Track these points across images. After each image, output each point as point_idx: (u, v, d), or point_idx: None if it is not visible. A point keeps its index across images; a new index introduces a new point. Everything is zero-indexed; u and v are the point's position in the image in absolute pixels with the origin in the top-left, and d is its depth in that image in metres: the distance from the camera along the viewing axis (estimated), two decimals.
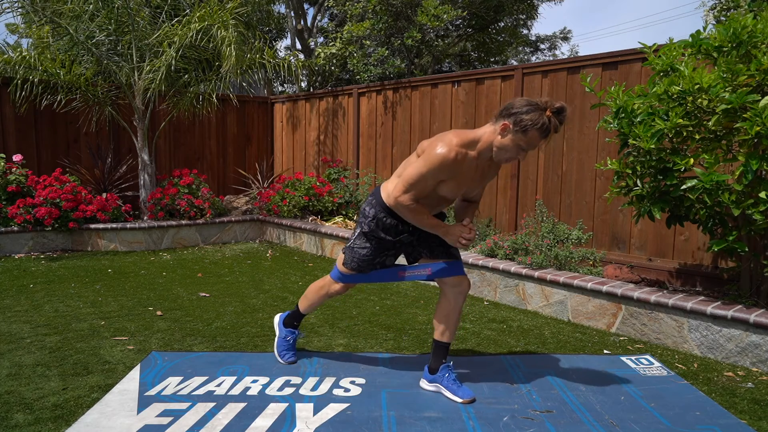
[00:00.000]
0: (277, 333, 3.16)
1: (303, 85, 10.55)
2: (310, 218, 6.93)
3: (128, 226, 6.42)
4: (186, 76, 7.36)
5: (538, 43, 15.73)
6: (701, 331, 3.34)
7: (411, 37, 8.66)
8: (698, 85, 3.12)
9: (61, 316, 3.88)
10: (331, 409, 2.55)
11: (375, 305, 4.30)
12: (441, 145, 2.40)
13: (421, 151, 2.50)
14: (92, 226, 6.29)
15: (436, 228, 2.57)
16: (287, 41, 15.32)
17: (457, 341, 3.50)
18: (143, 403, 2.58)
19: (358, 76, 8.90)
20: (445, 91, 6.14)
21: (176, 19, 6.90)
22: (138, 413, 2.48)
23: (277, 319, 3.21)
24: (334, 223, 6.70)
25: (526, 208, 5.40)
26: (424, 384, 2.80)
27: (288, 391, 2.74)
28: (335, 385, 2.82)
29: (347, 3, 9.80)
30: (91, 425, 2.37)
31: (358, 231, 2.76)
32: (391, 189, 2.60)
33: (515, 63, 18.56)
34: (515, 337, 3.64)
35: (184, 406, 2.56)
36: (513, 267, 4.36)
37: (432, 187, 2.50)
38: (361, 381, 2.87)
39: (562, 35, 15.80)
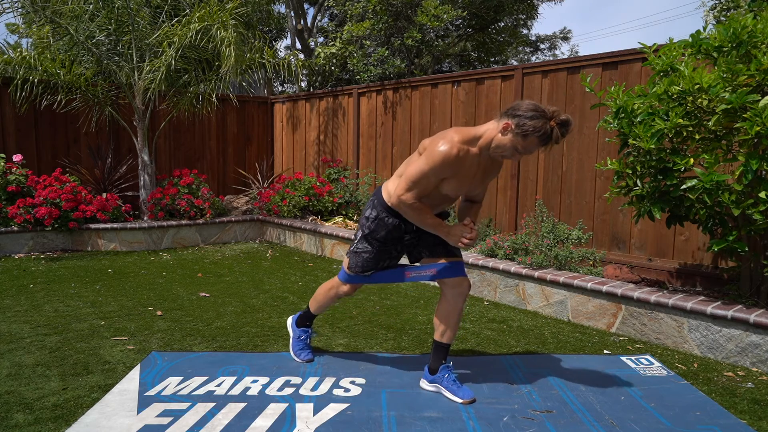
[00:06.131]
0: (291, 334, 3.20)
1: (303, 85, 10.55)
2: (310, 218, 6.93)
3: (128, 226, 6.42)
4: (186, 76, 7.37)
5: (538, 43, 15.73)
6: (701, 331, 3.34)
7: (411, 37, 8.66)
8: (698, 85, 3.12)
9: (61, 316, 3.88)
10: (331, 409, 2.55)
11: (375, 305, 4.30)
12: (443, 143, 2.39)
13: (423, 149, 2.48)
14: (92, 226, 6.29)
15: (437, 228, 2.56)
16: (287, 41, 15.33)
17: (457, 341, 3.50)
18: (143, 403, 2.58)
19: (358, 76, 8.90)
20: (445, 91, 6.14)
21: (176, 19, 6.90)
22: (138, 413, 2.48)
23: (289, 321, 3.26)
24: (334, 223, 6.70)
25: (526, 208, 5.40)
26: (424, 384, 2.80)
27: (288, 391, 2.74)
28: (335, 385, 2.82)
29: (347, 3, 9.80)
30: (91, 425, 2.37)
31: (360, 234, 2.75)
32: (392, 188, 2.59)
33: (515, 63, 18.56)
34: (515, 337, 3.64)
35: (184, 406, 2.56)
36: (513, 267, 4.36)
37: (434, 185, 2.49)
38: (361, 381, 2.87)
39: (562, 35, 15.80)
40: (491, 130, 2.43)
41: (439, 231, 2.57)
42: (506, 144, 2.38)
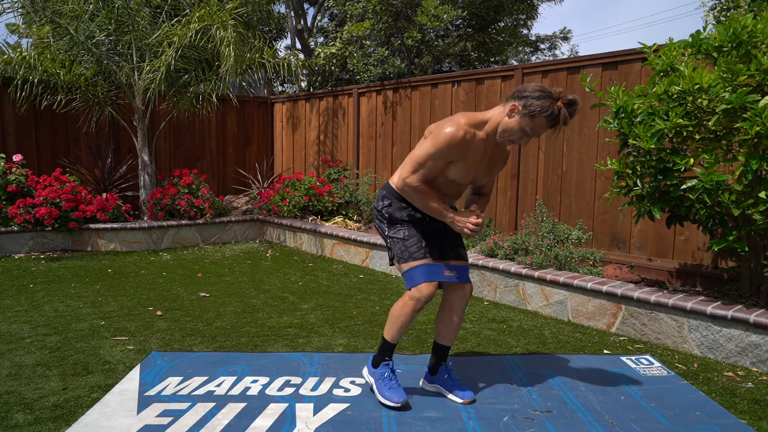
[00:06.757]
0: (372, 380, 2.71)
1: (303, 85, 10.55)
2: (310, 218, 6.93)
3: (128, 226, 6.42)
4: (186, 76, 7.37)
5: (538, 43, 15.74)
6: (701, 331, 3.34)
7: (411, 37, 8.66)
8: (698, 85, 3.12)
9: (61, 316, 3.88)
10: (331, 409, 2.55)
11: (375, 305, 4.30)
12: (449, 125, 2.38)
13: (429, 134, 2.46)
14: (92, 226, 6.29)
15: (442, 214, 2.52)
16: (287, 41, 15.33)
17: (457, 341, 3.50)
18: (143, 403, 2.58)
19: (358, 76, 8.90)
20: (445, 91, 6.14)
21: (176, 19, 6.90)
22: (138, 413, 2.48)
23: (365, 371, 2.80)
24: (334, 223, 6.70)
25: (526, 208, 5.40)
26: (424, 385, 2.80)
27: (288, 391, 2.74)
28: (335, 385, 2.82)
29: (347, 3, 9.80)
30: (91, 425, 2.37)
31: (384, 227, 2.63)
32: (397, 178, 2.57)
33: (515, 63, 18.56)
34: (515, 337, 3.63)
35: (184, 406, 2.56)
36: (513, 267, 4.36)
37: (440, 169, 2.46)
38: (361, 381, 2.87)
39: (562, 35, 15.80)
40: (498, 114, 2.42)
41: (445, 217, 2.53)
42: (514, 126, 2.36)
